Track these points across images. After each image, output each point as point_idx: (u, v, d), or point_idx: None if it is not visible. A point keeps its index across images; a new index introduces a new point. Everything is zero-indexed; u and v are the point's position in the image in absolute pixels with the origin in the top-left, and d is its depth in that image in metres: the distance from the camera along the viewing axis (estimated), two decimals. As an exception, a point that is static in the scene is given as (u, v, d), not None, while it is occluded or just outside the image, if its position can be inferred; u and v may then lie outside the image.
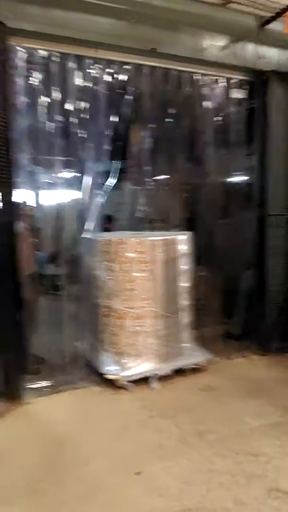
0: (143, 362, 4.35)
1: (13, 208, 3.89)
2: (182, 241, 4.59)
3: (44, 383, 4.28)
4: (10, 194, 3.83)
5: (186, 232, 4.85)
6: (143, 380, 4.27)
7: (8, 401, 3.86)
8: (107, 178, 4.70)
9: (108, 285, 4.39)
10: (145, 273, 4.34)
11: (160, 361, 4.40)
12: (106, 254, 4.38)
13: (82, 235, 4.63)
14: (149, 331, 4.37)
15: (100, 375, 4.29)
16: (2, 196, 3.74)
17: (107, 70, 4.40)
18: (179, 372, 4.46)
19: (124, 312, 4.34)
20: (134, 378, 4.23)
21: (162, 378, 4.33)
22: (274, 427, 3.52)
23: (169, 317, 4.47)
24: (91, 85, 4.37)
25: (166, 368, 4.37)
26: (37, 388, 4.22)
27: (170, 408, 3.84)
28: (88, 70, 4.31)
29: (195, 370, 4.54)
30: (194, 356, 4.63)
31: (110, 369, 4.28)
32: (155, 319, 4.39)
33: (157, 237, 4.47)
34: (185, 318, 4.68)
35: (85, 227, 4.61)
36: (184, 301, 4.65)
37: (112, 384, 4.21)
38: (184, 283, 4.64)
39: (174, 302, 4.55)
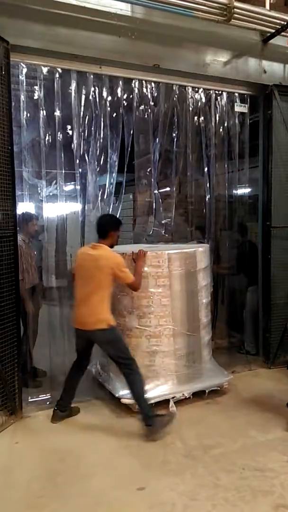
0: (160, 384, 4.02)
1: (15, 221, 3.90)
2: (201, 254, 4.29)
3: (45, 397, 4.23)
4: (12, 207, 3.84)
5: (204, 244, 4.61)
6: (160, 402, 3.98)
7: (8, 415, 3.80)
8: (112, 191, 4.69)
9: (122, 302, 4.09)
10: (162, 289, 4.03)
11: (179, 383, 4.09)
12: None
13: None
14: (166, 350, 4.05)
15: (110, 394, 4.10)
16: (4, 209, 3.75)
17: (111, 85, 4.48)
18: (197, 393, 4.17)
19: (140, 330, 4.03)
20: (151, 402, 3.78)
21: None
22: (280, 441, 3.44)
23: (188, 335, 4.16)
24: (94, 99, 4.42)
25: (186, 390, 4.05)
26: (38, 402, 4.17)
27: (174, 422, 3.74)
28: (92, 87, 4.37)
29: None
30: (215, 377, 4.32)
31: (124, 394, 3.87)
32: (173, 338, 4.07)
33: (175, 250, 4.15)
34: (206, 336, 4.39)
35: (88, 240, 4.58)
36: (204, 317, 4.36)
37: (113, 396, 4.07)
38: (204, 299, 4.36)
39: (194, 319, 4.22)
